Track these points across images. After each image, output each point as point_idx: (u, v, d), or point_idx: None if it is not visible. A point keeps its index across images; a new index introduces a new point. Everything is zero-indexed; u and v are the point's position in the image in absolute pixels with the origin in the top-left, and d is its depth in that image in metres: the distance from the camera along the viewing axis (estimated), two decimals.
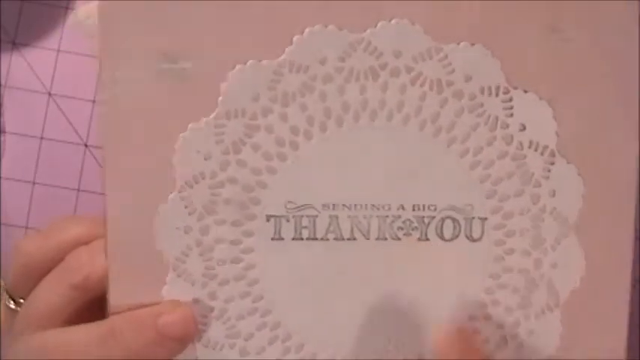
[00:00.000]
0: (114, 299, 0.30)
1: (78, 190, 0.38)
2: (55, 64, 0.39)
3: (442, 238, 0.31)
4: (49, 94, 0.38)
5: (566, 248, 0.31)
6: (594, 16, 0.30)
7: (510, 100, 0.30)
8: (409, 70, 0.29)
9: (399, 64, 0.29)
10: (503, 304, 0.31)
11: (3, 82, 0.39)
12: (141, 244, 0.30)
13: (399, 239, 0.30)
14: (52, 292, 0.31)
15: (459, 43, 0.29)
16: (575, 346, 0.31)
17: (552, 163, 0.30)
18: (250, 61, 0.29)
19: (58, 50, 0.38)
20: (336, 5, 0.29)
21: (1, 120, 0.39)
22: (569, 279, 0.31)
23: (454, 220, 0.30)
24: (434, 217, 0.30)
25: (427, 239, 0.30)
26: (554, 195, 0.30)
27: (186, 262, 0.30)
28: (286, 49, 0.29)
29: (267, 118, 0.29)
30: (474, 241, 0.31)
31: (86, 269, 0.30)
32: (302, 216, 0.30)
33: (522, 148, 0.30)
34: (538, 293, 0.31)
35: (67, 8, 0.28)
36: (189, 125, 0.29)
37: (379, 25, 0.29)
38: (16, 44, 0.38)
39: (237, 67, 0.29)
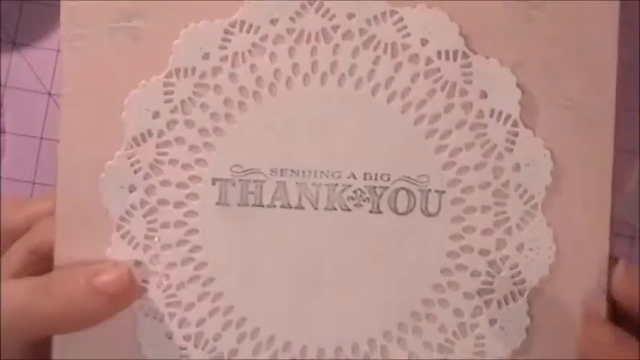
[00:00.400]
0: (59, 257, 0.29)
1: None
2: (55, 64, 0.40)
3: (395, 211, 0.29)
4: (49, 94, 0.40)
5: (533, 230, 0.28)
6: None
7: (470, 65, 0.28)
8: (362, 32, 0.29)
9: (351, 26, 0.29)
10: (462, 288, 0.28)
11: (3, 82, 0.41)
12: (88, 202, 0.29)
13: (349, 210, 0.29)
14: (12, 256, 0.31)
15: (415, 6, 0.28)
16: (543, 341, 0.28)
17: (516, 135, 0.28)
18: (202, 21, 0.29)
19: (58, 50, 0.39)
20: None
21: (1, 120, 0.41)
22: (537, 265, 0.28)
23: (408, 192, 0.29)
24: (387, 188, 0.29)
25: (379, 212, 0.29)
26: (518, 169, 0.28)
27: (130, 222, 0.29)
28: (238, 9, 0.29)
29: (217, 77, 0.29)
30: (429, 215, 0.29)
31: (42, 235, 0.30)
32: (249, 181, 0.29)
33: (483, 117, 0.28)
34: (501, 279, 0.28)
35: None
36: (140, 83, 0.29)
37: None
38: (16, 44, 0.40)
39: (190, 25, 0.29)
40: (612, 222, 0.28)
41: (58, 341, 0.29)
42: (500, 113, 0.28)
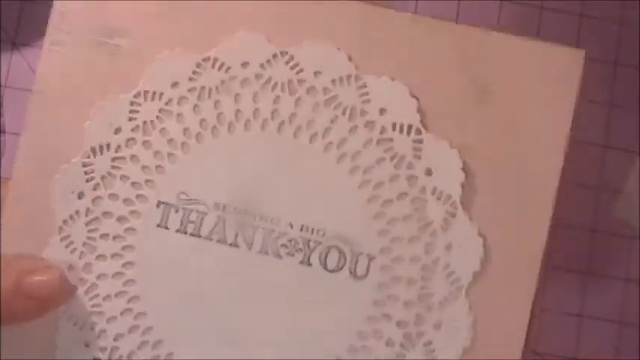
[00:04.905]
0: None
1: None
2: None
3: (325, 267, 0.29)
4: None
5: (454, 311, 0.29)
6: (524, 75, 0.29)
7: (421, 142, 0.29)
8: (326, 91, 0.30)
9: (316, 83, 0.30)
10: (375, 354, 0.29)
11: (3, 82, 0.42)
12: (37, 200, 0.30)
13: (280, 257, 0.29)
14: None
15: (380, 76, 0.29)
16: None
17: (453, 216, 0.29)
18: (177, 49, 0.30)
19: None
20: (268, 17, 0.30)
21: (1, 120, 0.42)
22: (451, 347, 0.29)
23: (340, 251, 0.29)
24: (320, 243, 0.29)
25: (309, 264, 0.29)
26: (450, 249, 0.29)
27: (71, 227, 0.30)
28: (213, 47, 0.30)
29: (181, 106, 0.30)
30: (356, 278, 0.29)
31: None
32: (191, 210, 0.30)
33: (425, 193, 0.29)
34: (413, 352, 0.29)
35: None
36: (108, 97, 0.30)
37: (305, 43, 0.30)
38: (16, 44, 0.41)
39: (165, 52, 0.30)
40: (533, 315, 0.29)
41: None
42: (441, 192, 0.29)
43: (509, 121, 0.29)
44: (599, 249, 0.41)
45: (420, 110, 0.29)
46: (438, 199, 0.29)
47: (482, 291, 0.29)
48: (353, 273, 0.29)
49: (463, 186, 0.29)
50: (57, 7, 0.31)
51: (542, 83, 0.29)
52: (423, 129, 0.29)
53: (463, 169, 0.29)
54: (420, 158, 0.29)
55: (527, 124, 0.29)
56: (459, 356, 0.28)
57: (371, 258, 0.29)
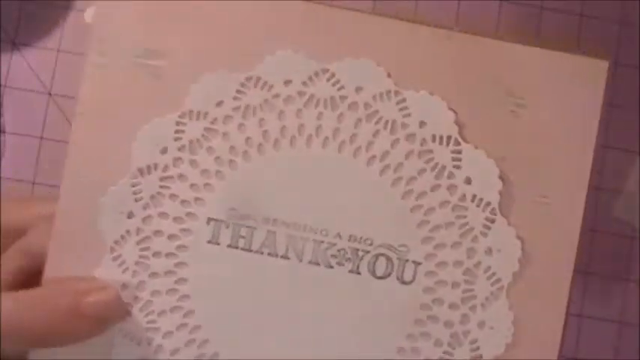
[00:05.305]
0: (49, 270, 0.31)
1: None
2: (55, 64, 0.41)
3: (373, 274, 0.31)
4: (49, 94, 0.41)
5: (496, 310, 0.31)
6: (554, 86, 0.31)
7: (459, 152, 0.31)
8: (367, 106, 0.31)
9: (358, 99, 0.31)
10: (424, 354, 0.31)
11: (3, 82, 0.41)
12: (85, 222, 0.31)
13: (331, 267, 0.31)
14: (10, 257, 0.32)
15: (418, 91, 0.31)
16: None
17: (492, 221, 0.31)
18: (220, 70, 0.31)
19: (58, 50, 0.40)
20: (310, 35, 0.31)
21: (1, 120, 0.42)
22: (495, 344, 0.31)
23: (388, 258, 0.31)
24: (368, 252, 0.31)
25: (358, 273, 0.31)
26: (490, 253, 0.31)
27: (123, 247, 0.31)
28: (255, 66, 0.31)
29: (227, 125, 0.31)
30: (403, 283, 0.31)
31: (39, 239, 0.32)
32: (241, 225, 0.31)
33: (465, 201, 0.31)
34: (460, 350, 0.31)
35: (66, 8, 0.30)
36: (152, 118, 0.31)
37: (345, 60, 0.31)
38: (16, 44, 0.41)
39: (208, 73, 0.31)
40: (568, 311, 0.31)
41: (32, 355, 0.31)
42: (481, 200, 0.31)
43: (540, 131, 0.31)
44: (599, 249, 0.43)
45: (457, 122, 0.31)
46: (478, 206, 0.31)
47: (521, 290, 0.31)
48: (400, 279, 0.31)
49: (501, 193, 0.31)
50: (96, 33, 0.31)
51: (570, 93, 0.31)
52: (461, 140, 0.31)
53: (500, 177, 0.31)
54: (459, 168, 0.31)
55: (557, 133, 0.31)
56: (502, 351, 0.31)
57: (417, 264, 0.31)
